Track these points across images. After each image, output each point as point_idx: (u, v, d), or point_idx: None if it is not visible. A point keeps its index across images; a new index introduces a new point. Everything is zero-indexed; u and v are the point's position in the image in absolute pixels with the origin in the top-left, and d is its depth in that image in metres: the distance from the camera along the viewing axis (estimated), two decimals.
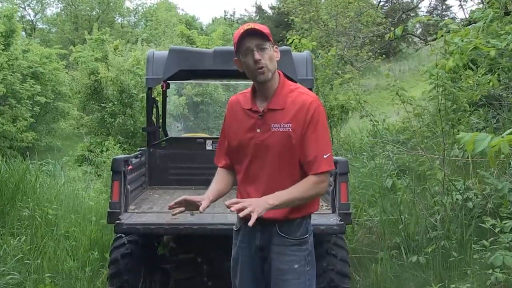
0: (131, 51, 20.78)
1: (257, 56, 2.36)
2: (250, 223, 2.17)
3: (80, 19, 39.17)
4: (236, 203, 2.23)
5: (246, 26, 2.38)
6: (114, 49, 21.01)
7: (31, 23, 40.82)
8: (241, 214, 2.20)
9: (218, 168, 2.66)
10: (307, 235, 2.51)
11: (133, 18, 44.04)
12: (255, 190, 2.45)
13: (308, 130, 2.39)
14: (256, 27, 2.37)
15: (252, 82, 2.51)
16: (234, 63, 2.49)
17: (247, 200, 2.27)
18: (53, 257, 4.99)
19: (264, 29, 2.39)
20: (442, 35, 4.73)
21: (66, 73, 24.35)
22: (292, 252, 2.46)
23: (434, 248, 4.49)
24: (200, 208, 2.37)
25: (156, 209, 4.52)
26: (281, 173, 2.42)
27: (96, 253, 5.28)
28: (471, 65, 4.75)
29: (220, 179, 2.60)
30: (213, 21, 42.80)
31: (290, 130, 2.39)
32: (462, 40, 4.40)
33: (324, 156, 2.39)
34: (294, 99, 2.43)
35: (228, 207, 2.21)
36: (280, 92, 2.45)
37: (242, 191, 2.52)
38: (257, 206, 2.23)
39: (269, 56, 2.39)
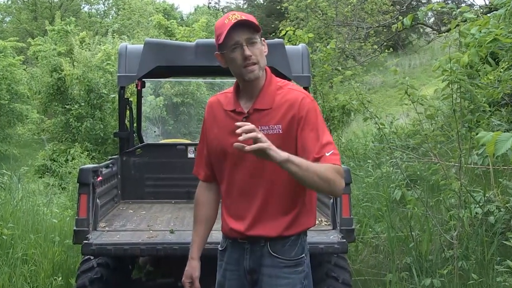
0: (100, 45, 20.71)
1: (247, 52, 2.37)
2: (248, 148, 2.11)
3: (39, 6, 39.05)
4: (251, 130, 2.13)
5: (232, 16, 2.38)
6: (80, 42, 20.93)
7: None
8: (247, 148, 2.12)
9: (199, 187, 2.69)
10: (303, 254, 2.52)
11: (103, 6, 44.08)
12: (247, 203, 2.46)
13: (305, 130, 2.38)
14: (243, 17, 2.37)
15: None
16: (216, 58, 2.50)
17: (261, 135, 2.16)
18: (8, 285, 4.95)
19: (253, 19, 2.41)
20: (456, 25, 4.78)
21: (24, 69, 24.22)
22: (286, 274, 2.46)
23: (450, 270, 4.51)
24: None
25: (130, 226, 4.51)
26: (277, 181, 2.42)
27: (60, 278, 5.24)
28: (489, 59, 4.80)
29: (202, 216, 2.64)
30: (195, 10, 42.97)
31: (280, 132, 2.40)
32: (480, 31, 4.45)
33: (327, 154, 2.35)
34: (282, 97, 2.44)
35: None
36: (267, 90, 2.46)
37: (230, 206, 2.53)
38: (267, 142, 2.14)
39: (260, 51, 2.41)
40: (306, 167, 2.22)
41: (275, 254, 2.46)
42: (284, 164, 2.18)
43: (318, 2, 13.92)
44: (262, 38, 2.46)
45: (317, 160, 2.32)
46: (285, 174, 2.41)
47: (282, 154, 2.16)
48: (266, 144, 2.13)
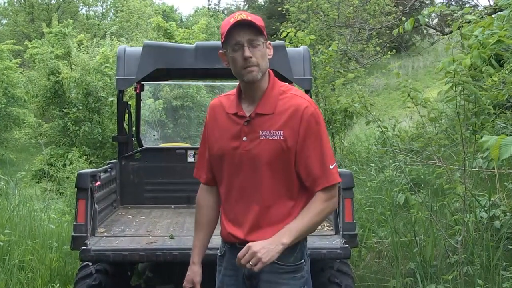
0: (98, 47, 20.75)
1: (247, 53, 2.37)
2: (256, 269, 2.26)
3: (36, 9, 39.13)
4: (245, 253, 2.28)
5: (238, 15, 2.39)
6: (78, 45, 20.98)
7: None
8: (255, 269, 2.28)
9: (200, 190, 2.69)
10: (303, 260, 2.52)
11: (101, 8, 44.15)
12: (246, 209, 2.46)
13: (308, 141, 2.41)
14: (249, 17, 2.38)
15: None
16: (219, 57, 2.51)
17: (255, 245, 2.29)
18: None
19: (259, 21, 2.41)
20: (459, 27, 4.78)
21: (21, 73, 24.25)
22: (285, 280, 2.47)
23: (455, 275, 4.51)
24: None
25: (129, 232, 4.51)
26: (276, 187, 2.44)
27: (58, 285, 5.25)
28: (493, 61, 4.80)
29: (203, 220, 2.65)
30: (195, 11, 43.06)
31: (281, 138, 2.41)
32: (484, 33, 4.45)
33: (331, 167, 2.43)
34: (285, 102, 2.45)
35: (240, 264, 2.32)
36: (270, 94, 2.47)
37: (228, 210, 2.54)
38: (265, 253, 2.27)
39: (262, 54, 2.41)
40: (303, 232, 2.40)
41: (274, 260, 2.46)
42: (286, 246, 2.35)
43: (319, 3, 13.95)
44: (268, 42, 2.47)
45: (322, 174, 2.42)
46: (283, 180, 2.43)
47: (280, 247, 2.31)
48: (267, 257, 2.27)
